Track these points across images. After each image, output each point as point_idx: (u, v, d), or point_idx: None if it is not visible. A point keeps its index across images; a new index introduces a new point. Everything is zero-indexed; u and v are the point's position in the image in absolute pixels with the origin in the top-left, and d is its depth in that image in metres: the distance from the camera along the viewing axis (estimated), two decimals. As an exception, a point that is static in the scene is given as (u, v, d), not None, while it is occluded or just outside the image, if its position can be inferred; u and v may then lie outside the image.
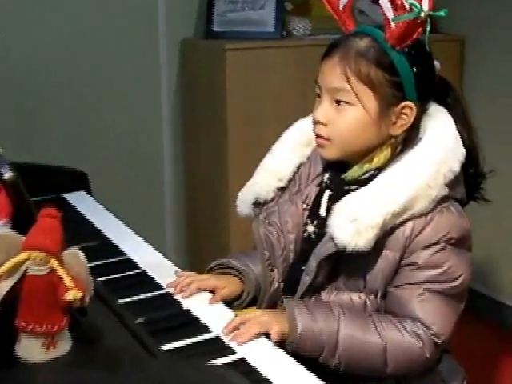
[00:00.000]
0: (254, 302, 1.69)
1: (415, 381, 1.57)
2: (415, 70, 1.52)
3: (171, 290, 1.61)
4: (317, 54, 1.60)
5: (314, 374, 1.31)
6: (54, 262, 1.16)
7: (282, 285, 1.67)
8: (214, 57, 3.01)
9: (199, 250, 3.41)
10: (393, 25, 1.48)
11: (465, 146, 1.56)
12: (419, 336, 1.48)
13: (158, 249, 1.86)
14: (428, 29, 1.49)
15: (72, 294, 1.13)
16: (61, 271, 1.15)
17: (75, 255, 1.20)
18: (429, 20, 1.47)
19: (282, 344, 1.43)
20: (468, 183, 1.60)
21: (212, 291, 1.62)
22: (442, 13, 1.49)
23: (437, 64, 1.60)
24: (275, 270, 1.67)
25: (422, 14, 1.45)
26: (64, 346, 1.22)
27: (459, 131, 1.57)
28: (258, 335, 1.41)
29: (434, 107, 1.60)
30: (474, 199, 1.68)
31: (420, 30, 1.49)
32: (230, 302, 1.64)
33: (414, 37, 1.49)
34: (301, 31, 3.15)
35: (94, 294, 1.25)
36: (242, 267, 1.69)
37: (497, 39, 3.15)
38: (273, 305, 1.67)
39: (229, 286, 1.65)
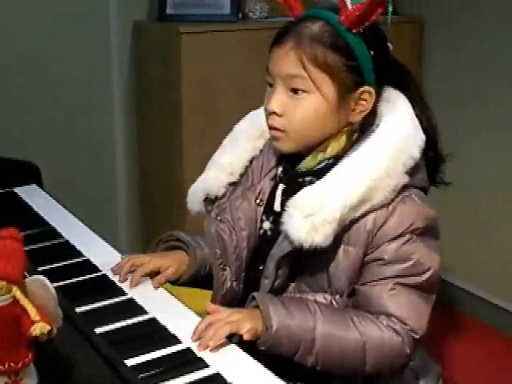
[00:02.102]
0: (200, 284, 1.64)
1: (386, 379, 1.52)
2: (372, 52, 1.46)
3: (116, 278, 1.58)
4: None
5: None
6: (16, 292, 1.06)
7: (235, 283, 1.61)
8: (168, 41, 2.95)
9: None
10: (350, 6, 1.42)
11: (424, 129, 1.51)
12: (397, 331, 1.43)
13: (111, 243, 1.80)
14: (390, 9, 1.43)
15: (38, 329, 1.03)
16: (24, 302, 1.05)
17: (41, 283, 1.10)
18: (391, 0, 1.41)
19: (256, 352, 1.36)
20: (428, 167, 1.55)
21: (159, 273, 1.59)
22: None
23: (389, 46, 1.54)
24: (227, 268, 1.60)
25: None
26: (30, 382, 1.13)
27: (417, 115, 1.52)
28: (230, 337, 1.34)
29: (390, 92, 1.55)
30: (434, 184, 1.62)
31: (380, 10, 1.43)
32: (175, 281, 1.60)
33: (373, 18, 1.43)
34: (257, 14, 3.09)
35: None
36: (190, 242, 1.63)
37: (456, 20, 3.13)
38: (227, 305, 1.58)
39: (174, 264, 1.59)
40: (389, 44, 1.53)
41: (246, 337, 1.34)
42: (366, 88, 1.47)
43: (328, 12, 1.47)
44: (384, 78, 1.51)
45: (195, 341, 1.33)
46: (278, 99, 1.48)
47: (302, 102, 1.46)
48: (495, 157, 3.02)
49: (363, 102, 1.48)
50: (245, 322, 1.35)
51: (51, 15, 2.99)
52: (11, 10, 2.91)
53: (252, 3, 3.08)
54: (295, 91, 1.46)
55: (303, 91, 1.45)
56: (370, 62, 1.46)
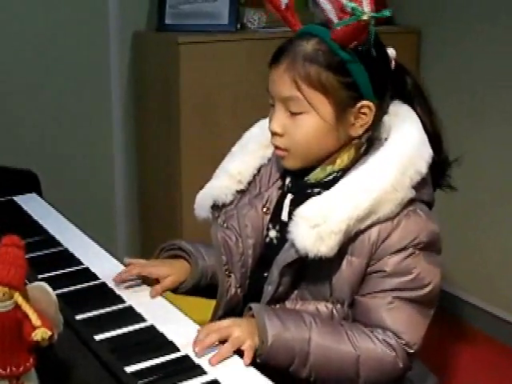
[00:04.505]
0: (202, 293, 1.66)
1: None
2: (368, 66, 1.46)
3: (115, 286, 1.60)
4: (272, 48, 1.53)
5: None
6: (18, 297, 1.07)
7: (239, 290, 1.62)
8: (166, 51, 2.96)
9: (151, 250, 3.31)
10: (338, 27, 1.42)
11: (428, 132, 1.52)
12: (391, 346, 1.44)
13: (110, 251, 1.82)
14: (373, 30, 1.42)
15: (40, 334, 1.04)
16: (26, 307, 1.05)
17: (42, 289, 1.11)
18: (373, 22, 1.40)
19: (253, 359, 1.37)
20: (433, 171, 1.54)
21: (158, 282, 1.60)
22: (386, 13, 1.41)
23: (392, 51, 1.55)
24: (232, 275, 1.61)
25: (365, 17, 1.38)
26: (31, 387, 1.14)
27: (421, 118, 1.53)
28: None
29: (399, 106, 1.56)
30: (440, 187, 1.64)
31: (364, 35, 1.42)
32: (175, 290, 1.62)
33: (362, 37, 1.43)
34: (256, 24, 3.09)
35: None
36: (192, 251, 1.64)
37: (453, 31, 3.15)
38: (230, 311, 1.61)
39: (173, 273, 1.61)
40: (390, 50, 1.54)
41: (245, 360, 1.32)
42: (365, 102, 1.47)
43: (322, 29, 1.47)
44: (384, 89, 1.52)
45: (199, 352, 1.33)
46: (278, 120, 1.49)
47: (300, 122, 1.47)
48: (495, 163, 3.03)
49: (363, 116, 1.49)
50: (245, 339, 1.36)
51: (51, 24, 3.00)
52: (10, 18, 2.92)
53: (250, 13, 3.08)
54: (293, 112, 1.48)
55: (300, 112, 1.47)
56: (367, 77, 1.46)
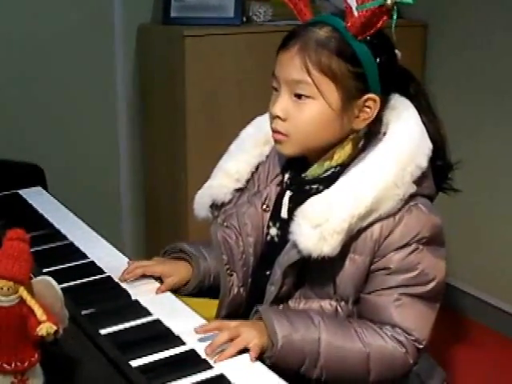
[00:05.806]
0: (206, 293, 1.65)
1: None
2: (378, 60, 1.46)
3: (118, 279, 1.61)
4: (278, 41, 1.53)
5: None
6: (23, 292, 1.06)
7: (242, 289, 1.61)
8: (172, 44, 2.95)
9: (157, 247, 3.32)
10: (356, 13, 1.41)
11: (431, 138, 1.50)
12: (401, 342, 1.43)
13: (115, 245, 1.82)
14: (395, 17, 1.42)
15: (45, 329, 1.03)
16: (31, 302, 1.04)
17: (47, 284, 1.10)
18: (395, 7, 1.40)
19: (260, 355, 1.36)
20: (436, 176, 1.54)
21: (161, 279, 1.61)
22: (409, 0, 1.41)
23: (398, 53, 1.54)
24: (234, 274, 1.60)
25: (389, 1, 1.38)
26: (36, 382, 1.13)
27: (424, 123, 1.51)
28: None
29: (396, 99, 1.54)
30: (443, 190, 1.63)
31: (385, 18, 1.42)
32: (176, 289, 1.61)
33: (379, 25, 1.43)
34: (261, 17, 3.08)
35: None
36: (193, 252, 1.64)
37: (459, 25, 3.14)
38: (233, 311, 1.61)
39: (176, 273, 1.61)
40: (397, 52, 1.53)
41: (252, 355, 1.32)
42: (371, 95, 1.47)
43: (335, 18, 1.47)
44: (390, 86, 1.51)
45: (211, 353, 1.32)
46: (282, 104, 1.48)
47: (305, 107, 1.46)
48: (495, 159, 3.02)
49: (367, 110, 1.48)
50: (253, 338, 1.34)
51: (55, 18, 2.98)
52: (15, 12, 2.91)
53: (256, 6, 3.07)
54: (299, 96, 1.46)
55: (307, 97, 1.45)
56: (376, 70, 1.46)
